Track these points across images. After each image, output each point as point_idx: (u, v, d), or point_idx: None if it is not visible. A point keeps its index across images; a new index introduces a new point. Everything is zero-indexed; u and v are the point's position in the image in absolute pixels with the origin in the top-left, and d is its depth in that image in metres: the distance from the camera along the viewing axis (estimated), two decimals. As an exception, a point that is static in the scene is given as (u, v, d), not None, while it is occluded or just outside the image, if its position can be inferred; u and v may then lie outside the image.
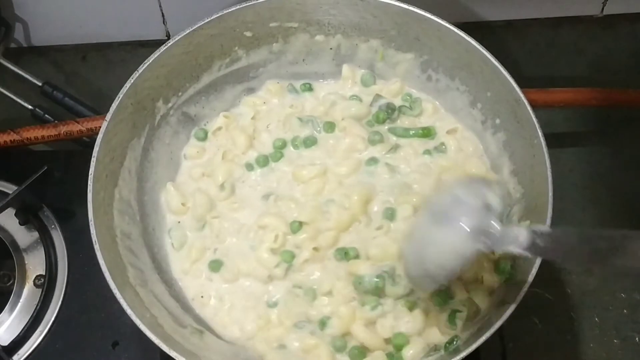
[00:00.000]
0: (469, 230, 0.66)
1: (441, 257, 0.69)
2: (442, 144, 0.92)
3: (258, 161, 0.93)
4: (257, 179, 0.93)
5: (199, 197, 0.90)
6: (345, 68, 0.98)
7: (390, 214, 0.86)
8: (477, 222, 0.66)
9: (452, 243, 0.68)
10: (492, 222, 0.66)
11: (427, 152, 0.92)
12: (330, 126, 0.94)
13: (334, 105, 0.95)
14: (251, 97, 0.99)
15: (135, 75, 0.87)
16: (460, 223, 0.67)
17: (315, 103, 0.98)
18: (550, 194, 0.79)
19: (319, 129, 0.94)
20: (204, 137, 0.96)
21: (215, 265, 0.88)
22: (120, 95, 0.85)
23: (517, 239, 0.65)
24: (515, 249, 0.65)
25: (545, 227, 0.69)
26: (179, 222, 0.91)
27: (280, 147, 0.94)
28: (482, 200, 0.68)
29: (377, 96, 0.96)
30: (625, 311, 0.98)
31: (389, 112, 0.94)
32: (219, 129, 0.96)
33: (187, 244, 0.90)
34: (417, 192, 0.88)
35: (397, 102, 0.96)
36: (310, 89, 0.99)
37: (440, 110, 0.96)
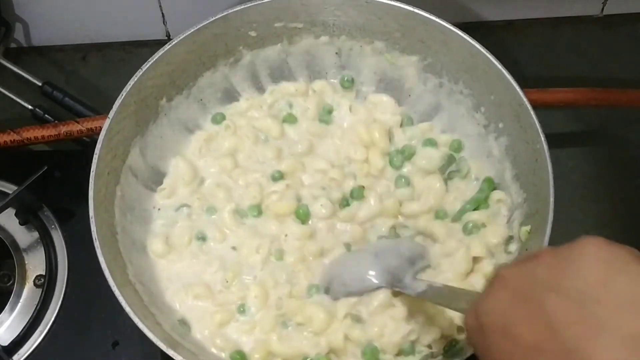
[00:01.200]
0: (381, 268, 0.83)
1: (353, 277, 0.84)
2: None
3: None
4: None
5: None
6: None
7: None
8: (393, 267, 0.83)
9: (365, 271, 0.83)
10: (407, 273, 0.82)
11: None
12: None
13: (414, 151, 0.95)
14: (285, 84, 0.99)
15: (139, 73, 0.87)
16: (381, 262, 0.84)
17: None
18: (552, 199, 0.79)
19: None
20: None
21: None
22: (124, 93, 0.85)
23: (415, 289, 0.78)
24: (412, 294, 0.79)
25: (437, 284, 0.80)
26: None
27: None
28: (410, 257, 0.84)
29: (451, 157, 0.94)
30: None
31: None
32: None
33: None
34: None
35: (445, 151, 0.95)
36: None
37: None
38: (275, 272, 0.86)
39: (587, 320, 0.51)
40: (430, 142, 0.94)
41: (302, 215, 0.89)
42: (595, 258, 0.53)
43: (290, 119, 0.96)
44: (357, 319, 0.83)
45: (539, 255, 0.56)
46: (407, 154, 0.93)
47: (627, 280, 0.51)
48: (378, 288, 0.82)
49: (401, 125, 0.96)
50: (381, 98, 0.97)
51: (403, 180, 0.92)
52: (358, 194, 0.90)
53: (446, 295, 0.75)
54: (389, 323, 0.81)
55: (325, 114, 0.97)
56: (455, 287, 0.80)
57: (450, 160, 0.93)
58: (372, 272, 0.83)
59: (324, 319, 0.82)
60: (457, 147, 0.94)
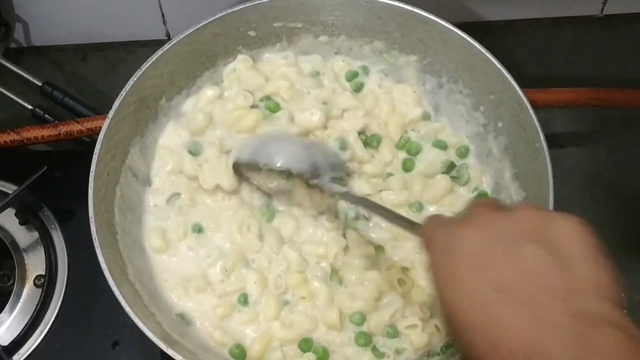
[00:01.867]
0: (308, 158, 0.86)
1: (281, 151, 0.86)
2: None
3: None
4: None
5: None
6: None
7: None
8: (317, 163, 0.85)
9: (293, 152, 0.86)
10: (326, 174, 0.85)
11: None
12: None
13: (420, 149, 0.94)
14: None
15: (139, 73, 0.87)
16: (309, 154, 0.86)
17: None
18: (551, 198, 0.79)
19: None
20: None
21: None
22: (123, 92, 0.85)
23: (332, 189, 0.83)
24: (330, 191, 0.84)
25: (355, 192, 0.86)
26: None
27: None
28: (332, 164, 0.87)
29: (451, 164, 0.93)
30: (625, 311, 0.97)
31: None
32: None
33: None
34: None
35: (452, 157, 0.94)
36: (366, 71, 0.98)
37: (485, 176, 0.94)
38: (270, 249, 0.87)
39: (561, 269, 0.55)
40: (440, 145, 0.94)
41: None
42: (578, 233, 0.56)
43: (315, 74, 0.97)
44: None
45: (523, 209, 0.60)
46: (413, 151, 0.93)
47: (601, 259, 0.56)
48: (299, 172, 0.85)
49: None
50: (404, 89, 0.97)
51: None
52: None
53: (368, 204, 0.81)
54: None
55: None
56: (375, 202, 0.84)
57: (450, 167, 0.93)
58: (298, 155, 0.86)
59: (327, 293, 0.84)
60: (463, 152, 0.94)
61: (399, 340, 0.82)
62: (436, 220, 0.66)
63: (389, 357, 0.82)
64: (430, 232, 0.64)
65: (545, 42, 1.19)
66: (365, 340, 0.82)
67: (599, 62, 1.16)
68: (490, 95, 0.89)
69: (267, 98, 0.94)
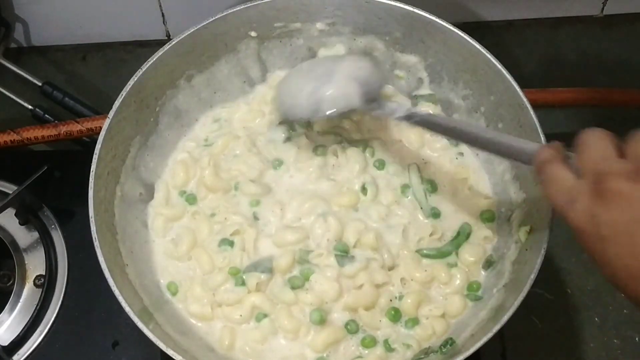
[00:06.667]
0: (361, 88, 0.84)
1: (333, 95, 0.84)
2: None
3: None
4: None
5: None
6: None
7: None
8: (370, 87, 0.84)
9: (345, 91, 0.84)
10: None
11: None
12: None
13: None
14: None
15: (139, 73, 0.86)
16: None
17: None
18: (551, 200, 0.79)
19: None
20: None
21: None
22: (124, 92, 0.85)
23: (394, 112, 0.81)
24: (392, 118, 0.82)
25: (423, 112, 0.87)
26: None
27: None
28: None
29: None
30: (625, 311, 0.98)
31: None
32: None
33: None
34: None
35: None
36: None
37: None
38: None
39: None
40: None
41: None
42: None
43: None
44: None
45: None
46: None
47: None
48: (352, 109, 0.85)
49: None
50: None
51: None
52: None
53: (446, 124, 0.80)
54: None
55: None
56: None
57: None
58: (343, 91, 0.85)
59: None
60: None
61: (407, 336, 0.82)
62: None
63: (398, 352, 0.82)
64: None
65: (545, 42, 1.19)
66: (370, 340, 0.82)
67: (599, 62, 1.16)
68: (491, 96, 0.89)
69: None
